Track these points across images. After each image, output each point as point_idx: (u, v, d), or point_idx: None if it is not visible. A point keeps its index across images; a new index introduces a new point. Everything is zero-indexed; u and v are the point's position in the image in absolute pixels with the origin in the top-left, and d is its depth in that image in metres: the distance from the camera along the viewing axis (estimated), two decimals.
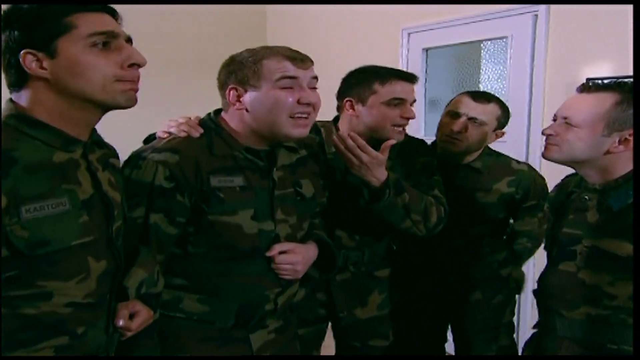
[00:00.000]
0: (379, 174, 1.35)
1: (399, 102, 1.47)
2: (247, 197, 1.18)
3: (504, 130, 1.70)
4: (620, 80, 1.30)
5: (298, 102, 1.16)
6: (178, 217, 1.14)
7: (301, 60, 1.17)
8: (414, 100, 1.53)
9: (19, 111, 0.90)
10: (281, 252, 1.22)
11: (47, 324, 0.90)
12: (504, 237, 1.78)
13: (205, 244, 1.18)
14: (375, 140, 1.50)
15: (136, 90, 0.96)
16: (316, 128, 1.54)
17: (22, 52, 0.87)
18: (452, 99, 1.70)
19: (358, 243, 1.56)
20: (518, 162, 1.73)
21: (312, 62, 1.20)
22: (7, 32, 0.88)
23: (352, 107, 1.50)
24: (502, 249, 1.72)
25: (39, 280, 0.88)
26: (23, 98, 0.91)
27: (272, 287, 1.24)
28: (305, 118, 1.18)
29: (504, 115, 1.66)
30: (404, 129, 1.52)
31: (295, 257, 1.23)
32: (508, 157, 1.78)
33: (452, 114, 1.64)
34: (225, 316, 1.22)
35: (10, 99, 0.92)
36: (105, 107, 0.95)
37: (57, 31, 0.88)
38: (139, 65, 0.95)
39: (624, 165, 1.19)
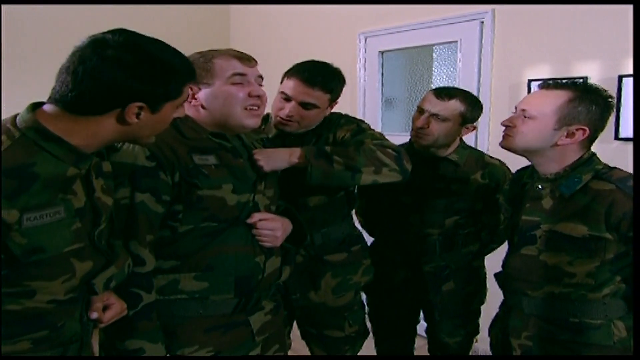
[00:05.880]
0: (293, 154, 1.38)
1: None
2: (225, 174, 1.25)
3: (475, 124, 1.75)
4: (576, 80, 1.40)
5: (249, 95, 1.25)
6: (164, 196, 1.18)
7: (247, 59, 1.28)
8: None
9: (39, 124, 0.89)
10: (261, 220, 1.29)
11: (29, 319, 0.92)
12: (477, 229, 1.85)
13: (193, 220, 1.22)
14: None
15: None
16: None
17: None
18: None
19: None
20: (490, 157, 1.82)
21: (256, 62, 1.30)
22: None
23: None
24: (476, 241, 1.80)
25: (25, 281, 0.90)
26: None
27: (259, 254, 1.31)
28: (257, 109, 1.27)
29: (470, 110, 1.68)
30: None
31: (275, 224, 1.32)
32: (481, 151, 1.88)
33: (419, 110, 1.72)
34: (225, 289, 1.27)
35: (32, 109, 0.91)
36: None
37: None
38: None
39: (571, 155, 1.31)
